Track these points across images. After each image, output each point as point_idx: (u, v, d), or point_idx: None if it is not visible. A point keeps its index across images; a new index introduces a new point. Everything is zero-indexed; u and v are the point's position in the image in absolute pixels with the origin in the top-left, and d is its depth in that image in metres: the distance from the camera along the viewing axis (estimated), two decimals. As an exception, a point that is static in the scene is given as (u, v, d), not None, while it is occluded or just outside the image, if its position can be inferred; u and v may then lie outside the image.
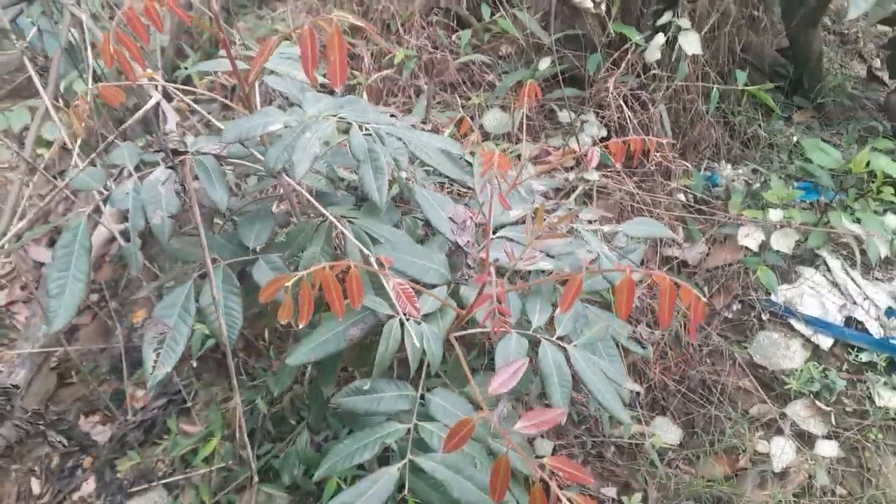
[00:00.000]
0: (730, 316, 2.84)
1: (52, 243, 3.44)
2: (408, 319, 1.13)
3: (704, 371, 2.78)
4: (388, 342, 1.11)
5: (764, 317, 2.79)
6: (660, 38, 2.05)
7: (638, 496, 2.33)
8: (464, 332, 1.21)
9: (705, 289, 2.79)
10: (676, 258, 2.73)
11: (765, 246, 2.46)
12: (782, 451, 2.38)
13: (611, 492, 2.40)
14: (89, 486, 2.63)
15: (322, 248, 1.26)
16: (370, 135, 1.20)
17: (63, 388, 2.96)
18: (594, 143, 2.14)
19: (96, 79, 2.16)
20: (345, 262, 0.89)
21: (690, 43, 2.01)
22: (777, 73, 3.18)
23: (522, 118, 1.42)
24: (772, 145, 3.05)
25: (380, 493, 1.04)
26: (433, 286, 1.22)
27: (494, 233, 1.34)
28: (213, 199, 1.17)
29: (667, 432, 2.38)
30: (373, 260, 0.96)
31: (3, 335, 3.29)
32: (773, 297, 2.73)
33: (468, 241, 1.25)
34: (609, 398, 1.22)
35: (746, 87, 2.28)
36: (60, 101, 2.59)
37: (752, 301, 2.77)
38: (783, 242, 2.29)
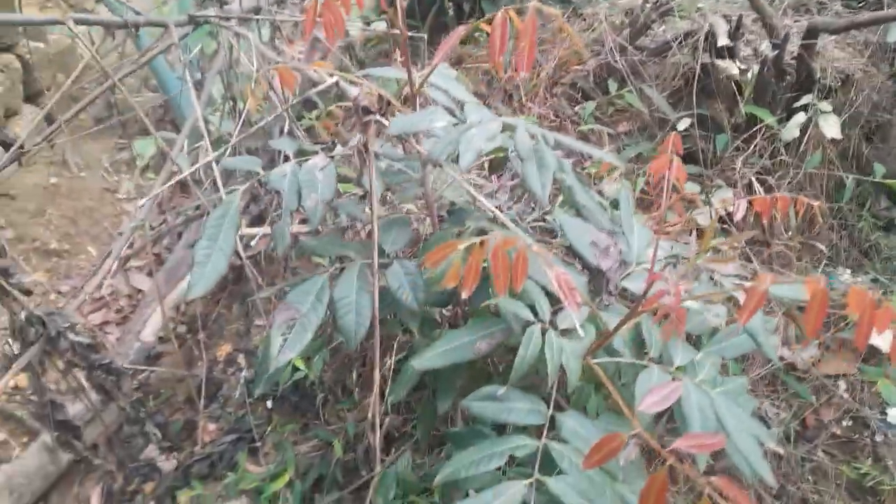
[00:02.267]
0: (838, 432, 2.62)
1: (149, 274, 3.57)
2: (547, 330, 1.08)
3: (806, 489, 2.55)
4: (528, 348, 1.06)
5: (878, 438, 2.56)
6: (800, 117, 2.02)
7: None
8: (602, 360, 1.15)
9: (813, 398, 2.60)
10: (783, 359, 2.57)
11: (886, 356, 2.28)
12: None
13: None
14: (148, 511, 2.57)
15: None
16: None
17: (139, 411, 2.96)
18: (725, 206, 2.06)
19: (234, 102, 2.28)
20: (514, 238, 0.87)
21: (830, 126, 1.97)
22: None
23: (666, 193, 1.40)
24: (889, 259, 2.91)
25: (505, 506, 0.96)
26: (572, 306, 1.17)
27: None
28: (376, 200, 1.18)
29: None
30: (535, 247, 0.93)
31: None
32: (889, 418, 2.51)
33: (611, 267, 1.21)
34: (753, 452, 1.11)
35: (885, 181, 2.20)
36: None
37: (866, 419, 2.56)
38: (917, 348, 2.11)
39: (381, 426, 2.32)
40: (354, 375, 2.46)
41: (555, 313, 1.16)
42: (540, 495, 1.00)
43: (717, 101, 2.21)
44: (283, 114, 1.61)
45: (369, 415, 2.20)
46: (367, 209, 1.33)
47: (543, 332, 1.08)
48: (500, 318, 1.22)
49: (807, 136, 2.15)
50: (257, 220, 3.09)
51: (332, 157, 1.21)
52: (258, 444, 2.73)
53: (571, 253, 1.27)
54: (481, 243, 0.84)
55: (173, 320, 3.35)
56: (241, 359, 3.14)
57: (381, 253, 1.33)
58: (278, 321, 1.19)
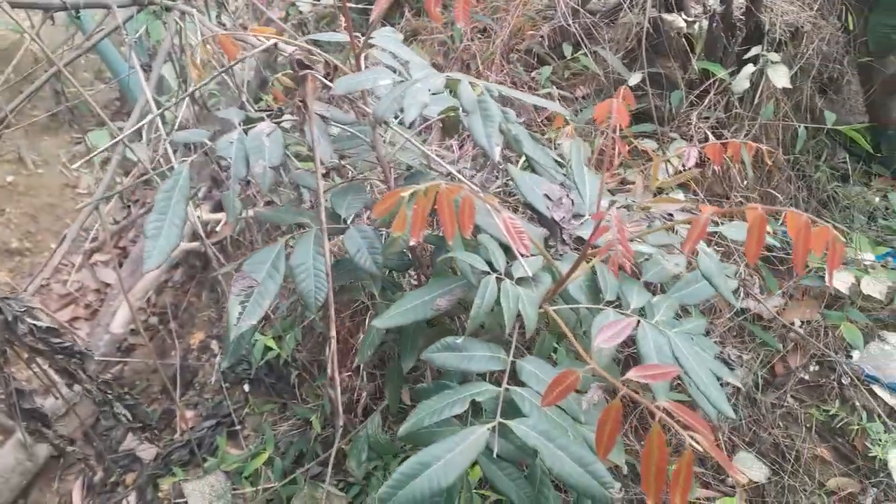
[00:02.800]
0: (806, 377, 2.68)
1: (120, 265, 3.52)
2: (502, 279, 1.09)
3: (778, 435, 2.61)
4: (483, 297, 1.07)
5: (844, 381, 2.63)
6: (749, 69, 2.05)
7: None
8: (559, 307, 1.16)
9: (780, 346, 2.66)
10: (749, 310, 2.62)
11: (847, 301, 2.34)
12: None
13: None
14: (130, 502, 2.57)
15: (417, 214, 1.24)
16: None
17: (115, 402, 2.94)
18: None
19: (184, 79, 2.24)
20: (459, 186, 0.87)
21: (779, 76, 2.01)
22: (853, 141, 3.15)
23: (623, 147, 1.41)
24: (847, 207, 2.97)
25: (469, 450, 0.97)
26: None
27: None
28: (319, 154, 1.18)
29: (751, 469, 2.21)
30: (482, 195, 0.94)
31: (62, 349, 3.31)
32: (854, 360, 2.58)
33: (563, 217, 1.22)
34: (712, 389, 1.13)
35: (837, 127, 2.24)
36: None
37: (831, 363, 2.62)
38: (874, 287, 2.17)
39: (357, 400, 2.34)
40: (328, 350, 2.47)
41: (511, 265, 1.18)
42: (503, 439, 1.01)
43: (669, 60, 2.24)
44: (234, 89, 1.59)
45: (344, 385, 2.21)
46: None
47: (499, 282, 1.10)
48: (460, 276, 1.23)
49: (760, 89, 2.18)
50: (220, 206, 3.06)
51: (279, 124, 1.20)
52: (237, 427, 2.74)
53: (528, 208, 1.28)
54: (426, 190, 0.85)
55: (144, 311, 3.32)
56: (214, 345, 3.12)
57: (337, 219, 1.34)
58: (235, 290, 1.19)
